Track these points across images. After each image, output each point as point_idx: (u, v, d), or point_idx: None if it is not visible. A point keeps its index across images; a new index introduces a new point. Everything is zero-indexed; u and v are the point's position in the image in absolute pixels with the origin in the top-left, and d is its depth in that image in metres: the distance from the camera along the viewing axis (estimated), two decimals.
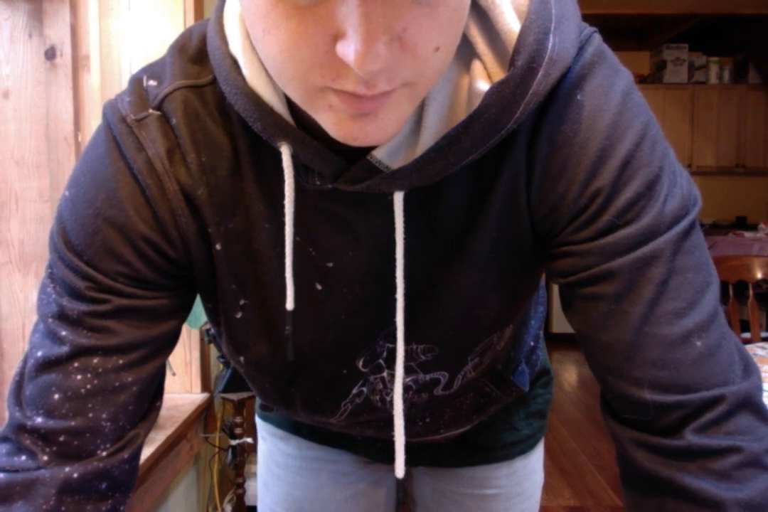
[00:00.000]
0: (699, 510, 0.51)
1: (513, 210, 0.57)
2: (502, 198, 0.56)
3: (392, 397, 0.71)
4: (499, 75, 0.51)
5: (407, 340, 0.63)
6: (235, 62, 0.53)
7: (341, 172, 0.53)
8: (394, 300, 0.58)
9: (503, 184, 0.56)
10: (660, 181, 0.53)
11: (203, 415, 1.82)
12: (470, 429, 0.83)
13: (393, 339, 0.63)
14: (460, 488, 0.92)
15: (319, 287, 0.61)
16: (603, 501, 2.64)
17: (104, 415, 0.58)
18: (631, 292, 0.53)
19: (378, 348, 0.66)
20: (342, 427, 0.78)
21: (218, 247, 0.59)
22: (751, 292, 2.49)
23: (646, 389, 0.53)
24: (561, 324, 5.04)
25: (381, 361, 0.68)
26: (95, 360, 0.57)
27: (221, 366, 1.94)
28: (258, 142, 0.56)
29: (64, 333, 0.57)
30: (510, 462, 0.90)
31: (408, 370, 0.68)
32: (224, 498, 2.07)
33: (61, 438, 0.57)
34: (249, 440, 1.92)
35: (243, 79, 0.52)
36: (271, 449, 0.95)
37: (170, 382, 1.76)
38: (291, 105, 0.52)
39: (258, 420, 0.97)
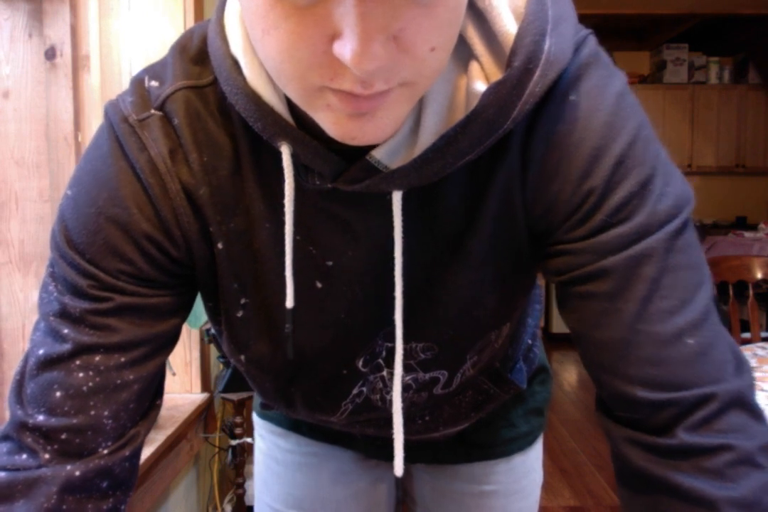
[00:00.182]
0: (692, 509, 0.52)
1: (509, 209, 0.57)
2: (497, 198, 0.57)
3: (392, 396, 0.71)
4: (496, 76, 0.51)
5: (406, 339, 0.64)
6: (235, 63, 0.53)
7: (341, 172, 0.54)
8: (393, 299, 0.58)
9: (499, 184, 0.56)
10: (653, 180, 0.54)
11: (203, 415, 1.83)
12: (469, 426, 0.83)
13: (392, 338, 0.63)
14: (459, 485, 0.92)
15: (319, 285, 0.61)
16: (603, 501, 2.64)
17: (106, 413, 0.58)
18: (624, 290, 0.53)
19: (377, 348, 0.67)
20: (342, 426, 0.79)
21: (220, 246, 0.60)
22: (751, 292, 2.49)
23: (639, 386, 0.54)
24: (561, 325, 5.04)
25: (380, 361, 0.68)
26: (97, 358, 0.57)
27: (221, 366, 1.94)
28: (258, 142, 0.56)
29: (65, 331, 0.57)
30: (508, 459, 0.91)
31: (408, 369, 0.68)
32: (224, 498, 2.07)
33: (63, 436, 0.57)
34: (249, 440, 1.92)
35: (244, 79, 0.52)
36: (270, 447, 0.95)
37: (170, 382, 1.76)
38: (291, 105, 0.53)
39: (256, 419, 0.97)
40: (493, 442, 0.89)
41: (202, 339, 1.79)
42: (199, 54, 0.58)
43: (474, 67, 0.52)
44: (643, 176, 0.53)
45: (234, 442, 1.94)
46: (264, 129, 0.53)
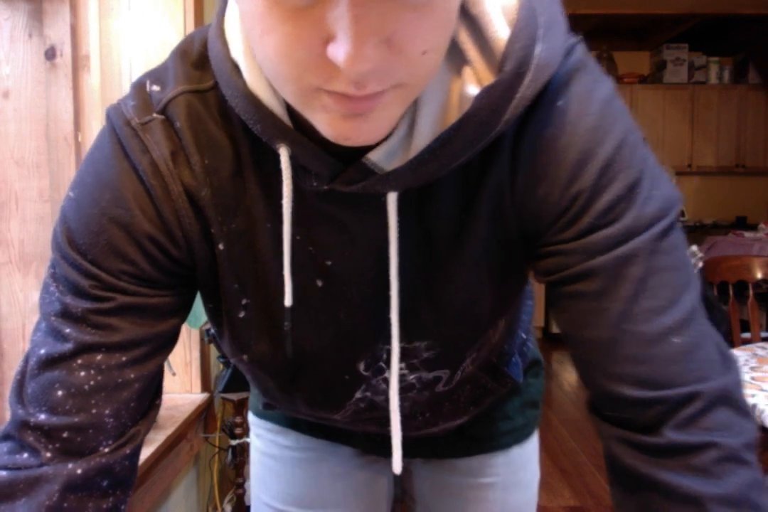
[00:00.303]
0: (679, 507, 0.53)
1: (500, 211, 0.59)
2: (489, 200, 0.58)
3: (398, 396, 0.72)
4: (488, 80, 0.52)
5: (408, 338, 0.65)
6: (235, 66, 0.54)
7: (337, 174, 0.54)
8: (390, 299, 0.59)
9: (490, 186, 0.57)
10: (641, 183, 0.55)
11: (203, 415, 1.83)
12: (467, 420, 0.84)
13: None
14: (458, 478, 0.93)
15: (320, 284, 0.62)
16: (603, 501, 2.64)
17: (107, 411, 0.58)
18: (610, 290, 0.54)
19: (378, 351, 0.67)
20: (345, 424, 0.80)
21: (221, 246, 0.60)
22: (751, 292, 2.49)
23: (625, 385, 0.55)
24: None
25: (382, 363, 0.69)
26: (98, 357, 0.58)
27: (221, 366, 1.94)
28: (259, 145, 0.57)
29: (67, 330, 0.57)
30: (506, 451, 0.92)
31: (412, 368, 0.69)
32: (224, 498, 2.07)
33: (65, 435, 0.58)
34: (249, 440, 1.92)
35: (244, 82, 0.53)
36: (268, 445, 0.95)
37: (170, 382, 1.76)
38: (290, 109, 0.54)
39: (252, 418, 0.98)
40: (490, 435, 0.91)
41: (202, 339, 1.79)
42: (200, 59, 0.59)
43: (467, 71, 0.53)
44: (630, 179, 0.54)
45: (234, 442, 1.94)
46: (263, 131, 0.54)
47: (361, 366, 0.69)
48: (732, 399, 0.55)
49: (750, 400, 1.58)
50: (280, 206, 0.57)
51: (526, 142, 0.56)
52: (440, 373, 0.71)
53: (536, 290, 0.89)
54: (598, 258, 0.54)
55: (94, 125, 1.32)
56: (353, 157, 0.53)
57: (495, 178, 0.57)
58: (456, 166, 0.54)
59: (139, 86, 0.60)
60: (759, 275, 2.54)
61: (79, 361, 0.57)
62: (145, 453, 1.34)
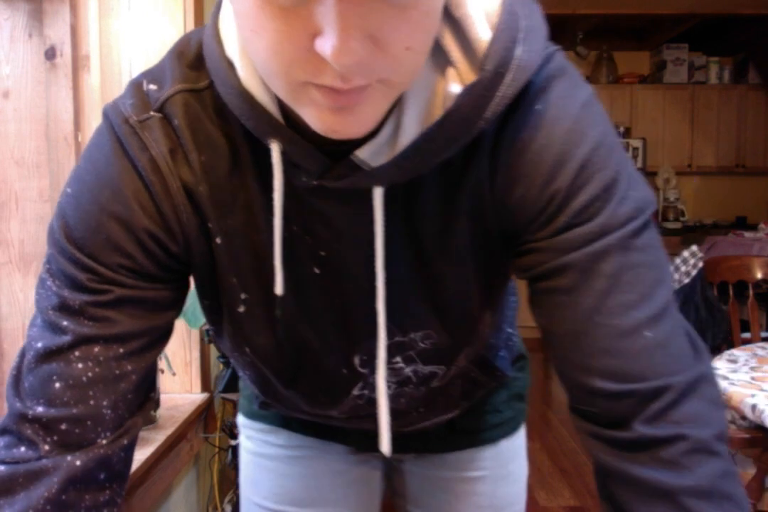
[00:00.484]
0: (651, 500, 0.54)
1: (480, 210, 0.61)
2: (469, 199, 0.60)
3: (394, 391, 0.74)
4: (471, 80, 0.54)
5: (403, 331, 0.67)
6: (230, 64, 0.55)
7: (327, 170, 0.56)
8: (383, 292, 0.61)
9: (470, 185, 0.59)
10: (616, 184, 0.56)
11: (203, 415, 1.83)
12: (457, 414, 0.86)
13: (388, 336, 0.65)
14: (447, 472, 0.94)
15: (317, 271, 0.64)
16: None
17: (105, 403, 0.59)
18: (582, 284, 0.56)
19: (374, 348, 0.68)
20: (341, 421, 0.81)
21: (218, 241, 0.62)
22: (751, 292, 2.49)
23: (597, 377, 0.56)
24: None
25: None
26: (96, 349, 0.59)
27: (221, 366, 1.94)
28: (256, 142, 0.58)
29: (65, 323, 0.58)
30: (495, 445, 0.93)
31: (408, 360, 0.71)
32: (224, 498, 2.07)
33: (63, 427, 0.58)
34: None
35: (238, 80, 0.55)
36: (259, 445, 0.95)
37: (170, 382, 1.77)
38: (283, 107, 0.55)
39: (242, 420, 0.98)
40: (480, 428, 0.92)
41: (202, 339, 1.79)
42: (195, 59, 0.60)
43: (451, 72, 0.55)
44: (606, 180, 0.56)
45: (234, 442, 1.94)
46: (255, 127, 0.56)
47: (357, 362, 0.70)
48: (702, 391, 0.55)
49: (750, 400, 1.58)
50: None
51: (505, 143, 0.58)
52: (436, 369, 0.73)
53: None
54: (572, 255, 0.56)
55: (94, 125, 1.32)
56: (342, 155, 0.55)
57: (475, 177, 0.59)
58: (439, 162, 0.56)
59: (135, 85, 0.61)
60: (759, 275, 2.54)
61: (77, 353, 0.58)
62: (145, 453, 1.34)
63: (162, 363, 1.58)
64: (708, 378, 0.57)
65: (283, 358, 0.70)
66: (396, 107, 0.54)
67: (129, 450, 0.64)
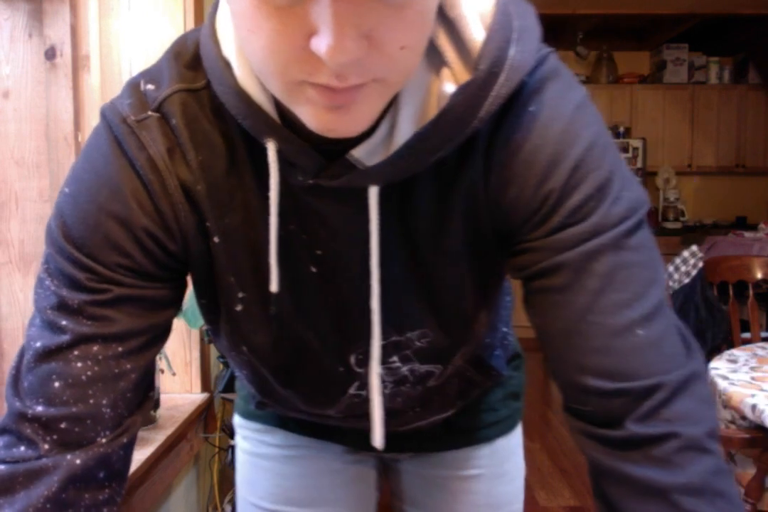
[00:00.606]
0: (644, 498, 0.54)
1: (474, 210, 0.61)
2: (464, 199, 0.61)
3: (391, 391, 0.74)
4: (465, 80, 0.54)
5: (399, 331, 0.67)
6: (227, 64, 0.56)
7: (322, 169, 0.56)
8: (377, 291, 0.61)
9: (464, 186, 0.60)
10: (610, 184, 0.56)
11: (203, 415, 1.83)
12: (453, 413, 0.86)
13: (384, 335, 0.65)
14: (444, 471, 0.94)
15: (314, 270, 0.64)
16: None
17: (104, 402, 0.60)
18: (575, 283, 0.56)
19: (370, 347, 0.68)
20: (338, 420, 0.81)
21: (216, 239, 0.62)
22: (751, 292, 2.49)
23: (590, 375, 0.56)
24: None
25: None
26: (95, 348, 0.59)
27: (221, 366, 1.94)
28: (253, 142, 0.58)
29: (64, 322, 0.59)
30: (491, 443, 0.93)
31: (404, 359, 0.71)
32: (224, 498, 2.07)
33: (63, 425, 0.58)
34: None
35: (234, 79, 0.55)
36: (256, 445, 0.95)
37: (170, 382, 1.77)
38: (279, 107, 0.56)
39: (238, 420, 0.98)
40: (476, 426, 0.92)
41: (202, 339, 1.79)
42: (193, 59, 0.61)
43: (445, 72, 0.56)
44: (600, 180, 0.56)
45: (234, 442, 1.94)
46: (252, 126, 0.56)
47: (354, 361, 0.70)
48: (694, 390, 0.56)
49: (750, 400, 1.58)
50: None
51: (499, 144, 0.58)
52: (433, 368, 0.73)
53: None
54: (566, 254, 0.56)
55: (94, 125, 1.32)
56: (338, 154, 0.56)
57: (469, 178, 0.59)
58: (434, 161, 0.56)
59: (133, 85, 0.61)
60: (759, 275, 2.54)
61: (76, 352, 0.58)
62: (145, 453, 1.34)
63: (162, 363, 1.58)
64: (700, 377, 0.57)
65: (280, 357, 0.70)
66: (391, 107, 0.55)
67: (128, 449, 0.64)
